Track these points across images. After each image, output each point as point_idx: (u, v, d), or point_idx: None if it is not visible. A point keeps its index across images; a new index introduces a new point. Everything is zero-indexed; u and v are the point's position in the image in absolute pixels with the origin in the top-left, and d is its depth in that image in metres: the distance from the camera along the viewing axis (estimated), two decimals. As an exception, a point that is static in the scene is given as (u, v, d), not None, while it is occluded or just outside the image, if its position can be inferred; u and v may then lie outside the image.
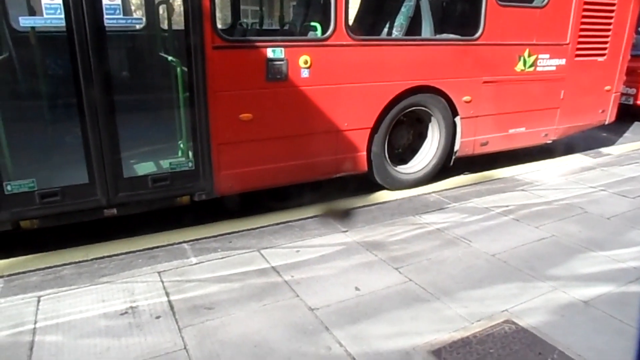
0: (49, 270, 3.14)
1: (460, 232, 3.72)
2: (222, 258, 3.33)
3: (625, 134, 7.62)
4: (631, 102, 7.90)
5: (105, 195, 3.46)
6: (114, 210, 3.59)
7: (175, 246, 3.51)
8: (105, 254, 3.39)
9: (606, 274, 3.14)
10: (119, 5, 3.24)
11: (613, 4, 5.51)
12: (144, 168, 3.77)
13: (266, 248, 3.46)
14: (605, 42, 5.66)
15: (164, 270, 3.15)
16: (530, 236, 3.66)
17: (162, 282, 3.01)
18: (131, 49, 4.28)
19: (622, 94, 6.93)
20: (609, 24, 5.59)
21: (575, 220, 3.99)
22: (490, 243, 3.54)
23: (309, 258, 3.31)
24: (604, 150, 6.50)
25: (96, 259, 3.33)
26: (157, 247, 3.49)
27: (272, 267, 3.19)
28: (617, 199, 4.50)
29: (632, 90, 7.85)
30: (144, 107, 4.08)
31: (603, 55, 5.72)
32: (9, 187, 3.18)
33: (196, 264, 3.26)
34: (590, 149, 6.46)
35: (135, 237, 3.62)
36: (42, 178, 3.30)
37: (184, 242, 3.57)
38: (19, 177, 3.22)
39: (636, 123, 8.20)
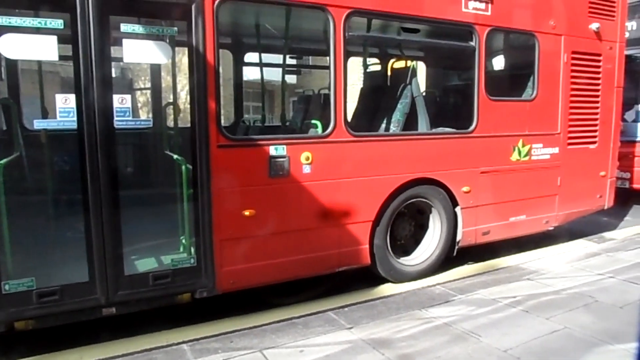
0: (41, 377, 3.00)
1: (468, 326, 3.60)
2: (223, 360, 3.19)
3: (627, 217, 7.64)
4: (627, 186, 8.00)
5: (105, 293, 3.40)
6: (113, 309, 3.50)
7: (174, 347, 3.38)
8: (101, 357, 3.26)
9: (626, 370, 3.00)
10: (128, 108, 3.41)
11: (597, 95, 5.79)
12: (145, 264, 3.73)
13: (269, 348, 3.33)
14: (595, 130, 5.87)
15: (162, 376, 3.00)
16: (541, 329, 3.54)
17: (160, 388, 2.86)
18: (138, 146, 4.43)
19: (618, 179, 7.06)
20: (596, 113, 5.84)
21: (587, 310, 3.88)
22: (500, 337, 3.41)
23: (313, 358, 3.17)
24: (606, 235, 6.47)
25: (91, 363, 3.20)
26: (156, 348, 3.36)
27: (276, 370, 3.05)
28: (627, 286, 4.40)
29: (627, 174, 7.99)
30: (148, 204, 4.13)
31: (594, 142, 5.90)
32: (6, 287, 3.14)
33: (196, 367, 3.12)
34: (593, 234, 6.43)
35: (133, 337, 3.50)
36: (41, 276, 3.26)
37: (184, 342, 3.44)
38: (18, 276, 3.18)
39: (635, 206, 8.25)
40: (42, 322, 3.31)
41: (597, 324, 3.60)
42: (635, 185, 8.05)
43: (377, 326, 3.63)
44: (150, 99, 5.10)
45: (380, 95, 5.13)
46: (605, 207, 6.28)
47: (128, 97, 3.39)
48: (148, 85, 5.58)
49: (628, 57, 6.41)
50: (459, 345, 3.30)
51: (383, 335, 3.47)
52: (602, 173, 6.10)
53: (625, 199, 7.75)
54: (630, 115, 8.50)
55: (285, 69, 5.42)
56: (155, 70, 4.84)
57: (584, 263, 5.10)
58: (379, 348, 3.28)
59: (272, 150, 3.84)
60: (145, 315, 3.70)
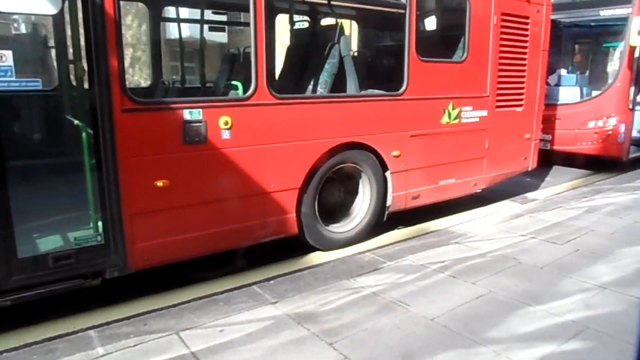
0: None
1: (396, 294, 3.53)
2: (134, 345, 2.91)
3: (547, 178, 7.96)
4: (548, 147, 8.31)
5: (-6, 280, 2.99)
6: (8, 302, 3.08)
7: (79, 335, 3.05)
8: (-8, 351, 2.89)
9: (545, 332, 3.03)
10: (10, 66, 2.91)
11: (525, 58, 5.81)
12: (45, 245, 3.31)
13: (186, 329, 3.08)
14: (522, 94, 5.93)
15: (62, 368, 2.69)
16: (467, 294, 3.53)
17: (58, 384, 2.55)
18: (28, 111, 3.90)
19: (541, 140, 7.28)
20: (523, 76, 5.88)
21: (510, 272, 3.93)
22: (428, 305, 3.36)
23: (233, 338, 2.96)
24: (529, 195, 6.70)
25: (-19, 358, 2.83)
26: (58, 336, 3.02)
27: (192, 353, 2.82)
28: (547, 246, 4.53)
29: (548, 136, 8.28)
30: (45, 176, 3.67)
31: (520, 105, 5.97)
32: None
33: (103, 355, 2.82)
34: (517, 195, 6.64)
35: (32, 325, 3.14)
36: None
37: (91, 327, 3.12)
38: None
39: (555, 167, 8.62)
40: None
41: (519, 286, 3.65)
42: (556, 147, 8.38)
43: (303, 299, 3.48)
44: (41, 57, 4.48)
45: (307, 55, 4.83)
46: (530, 169, 6.46)
47: (8, 53, 2.88)
48: (36, 40, 4.93)
49: (553, 22, 6.48)
50: (386, 316, 3.21)
51: (309, 309, 3.32)
52: (527, 135, 6.22)
53: (546, 160, 8.05)
54: (553, 79, 8.77)
55: (204, 25, 4.95)
56: (45, 23, 4.23)
57: (508, 224, 5.21)
58: (304, 323, 3.13)
59: (187, 115, 3.48)
60: (52, 303, 3.33)
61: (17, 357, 2.85)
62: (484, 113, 5.52)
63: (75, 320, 3.23)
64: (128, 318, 3.24)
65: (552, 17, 6.38)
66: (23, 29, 4.87)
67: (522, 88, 5.90)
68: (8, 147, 3.01)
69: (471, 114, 5.39)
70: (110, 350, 2.86)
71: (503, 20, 5.42)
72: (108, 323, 3.17)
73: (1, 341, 2.99)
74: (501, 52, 5.49)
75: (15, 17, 4.85)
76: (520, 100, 5.94)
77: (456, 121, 5.25)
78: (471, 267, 4.02)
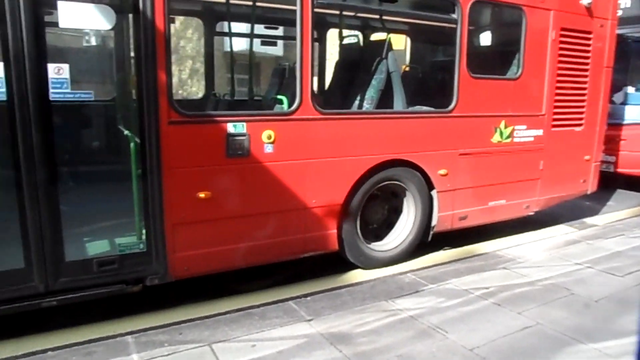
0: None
1: (435, 320, 3.39)
2: (167, 355, 2.95)
3: (609, 202, 7.47)
4: (612, 170, 7.81)
5: (44, 281, 3.13)
6: (54, 302, 3.21)
7: (118, 339, 3.13)
8: (39, 348, 3.01)
9: (597, 373, 2.81)
10: (66, 79, 3.07)
11: (586, 75, 5.51)
12: (91, 250, 3.44)
13: (219, 342, 3.09)
14: (581, 112, 5.62)
15: (98, 373, 2.76)
16: (512, 325, 3.34)
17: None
18: (81, 121, 4.09)
19: (603, 162, 6.86)
20: (584, 94, 5.57)
21: (561, 304, 3.68)
22: (468, 334, 3.20)
23: (264, 355, 2.94)
24: (588, 220, 6.29)
25: (27, 354, 2.95)
26: (98, 339, 3.12)
27: (222, 367, 2.82)
28: (605, 277, 4.22)
29: (612, 158, 7.79)
30: (94, 184, 3.82)
31: (580, 125, 5.65)
32: None
33: (137, 362, 2.88)
34: (575, 219, 6.25)
35: (76, 326, 3.25)
36: None
37: (129, 333, 3.19)
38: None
39: (619, 190, 8.09)
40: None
41: (570, 320, 3.41)
42: (620, 170, 7.86)
43: (339, 318, 3.41)
44: (94, 70, 4.71)
45: (354, 70, 4.80)
46: (589, 192, 6.08)
47: (65, 67, 3.04)
48: (90, 54, 5.19)
49: (619, 36, 6.11)
50: (422, 342, 3.09)
51: (343, 329, 3.25)
52: (587, 157, 5.87)
53: (609, 183, 7.57)
54: (618, 97, 8.25)
55: (254, 39, 5.03)
56: (99, 37, 4.46)
57: (562, 251, 4.91)
58: (337, 344, 3.06)
59: (230, 128, 3.53)
60: (97, 304, 3.45)
61: (59, 356, 2.95)
62: (539, 132, 5.26)
63: (117, 324, 3.31)
64: (165, 326, 3.29)
65: (619, 31, 6.03)
66: (86, 42, 5.14)
67: (582, 107, 5.59)
68: (62, 154, 3.16)
69: (525, 133, 5.15)
70: (144, 358, 2.91)
71: (562, 36, 5.17)
72: (145, 330, 3.24)
73: (47, 339, 3.11)
74: (559, 68, 5.22)
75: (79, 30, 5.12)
76: (580, 119, 5.62)
77: (508, 140, 5.03)
78: (518, 296, 3.81)
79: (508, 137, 5.03)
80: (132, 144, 3.40)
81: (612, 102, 7.16)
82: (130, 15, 3.19)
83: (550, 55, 5.14)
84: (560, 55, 5.21)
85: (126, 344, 3.07)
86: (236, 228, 3.71)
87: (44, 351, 2.99)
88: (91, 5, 3.04)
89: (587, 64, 5.49)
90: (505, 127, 4.98)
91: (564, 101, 5.38)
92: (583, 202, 6.79)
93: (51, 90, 3.01)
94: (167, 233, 3.43)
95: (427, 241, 4.77)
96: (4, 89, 2.89)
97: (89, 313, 3.40)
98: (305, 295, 3.78)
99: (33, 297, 3.15)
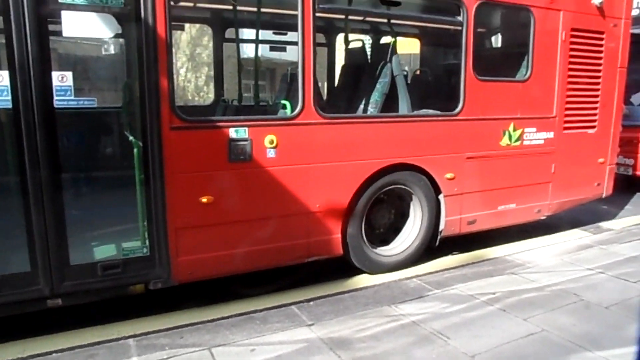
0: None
1: (438, 325, 3.34)
2: (167, 358, 2.97)
3: (627, 207, 7.28)
4: (630, 173, 7.62)
5: (49, 284, 3.19)
6: (59, 301, 3.30)
7: (120, 342, 3.17)
8: (44, 350, 3.06)
9: (602, 382, 2.73)
10: (70, 86, 3.13)
11: (598, 76, 5.40)
12: (95, 254, 3.49)
13: (219, 346, 3.10)
14: (594, 114, 5.50)
15: (98, 375, 2.80)
16: (516, 331, 3.27)
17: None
18: (90, 127, 4.17)
19: (620, 165, 6.70)
20: (596, 95, 5.45)
21: (569, 310, 3.60)
22: (470, 340, 3.15)
23: (263, 359, 2.94)
24: (604, 224, 6.14)
25: (32, 356, 3.00)
26: (100, 342, 3.16)
27: (220, 371, 2.83)
28: (616, 283, 4.11)
29: (630, 161, 7.61)
30: (97, 189, 3.88)
31: (593, 127, 5.53)
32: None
33: (137, 365, 2.91)
34: (589, 224, 6.11)
35: (79, 329, 3.30)
36: None
37: (131, 336, 3.23)
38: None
39: (638, 194, 7.88)
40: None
41: (577, 327, 3.33)
42: (639, 173, 7.66)
43: (340, 323, 3.39)
44: (96, 77, 4.79)
45: (358, 74, 4.79)
46: (604, 196, 5.94)
47: (69, 74, 3.10)
48: (93, 62, 5.28)
49: (634, 36, 5.97)
50: (423, 348, 3.05)
51: (344, 334, 3.23)
52: (601, 160, 5.74)
53: (628, 186, 7.39)
54: (636, 98, 8.07)
55: (260, 44, 5.06)
56: (101, 45, 4.54)
57: (574, 256, 4.80)
58: (336, 349, 3.04)
59: (232, 133, 3.55)
60: (98, 307, 3.51)
61: (62, 359, 3.00)
62: (550, 135, 5.17)
63: (120, 327, 3.35)
64: (167, 329, 3.32)
65: (634, 31, 5.89)
66: (88, 51, 5.24)
67: (594, 108, 5.47)
68: (67, 159, 3.23)
69: (535, 136, 5.07)
70: (144, 361, 2.94)
71: (573, 37, 5.07)
72: (147, 333, 3.27)
73: (51, 342, 3.16)
74: (570, 70, 5.13)
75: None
76: (593, 121, 5.50)
77: (518, 143, 4.95)
78: (525, 301, 3.73)
79: (517, 140, 4.95)
80: (135, 150, 3.44)
81: (630, 103, 7.02)
82: (133, 24, 3.24)
83: (561, 56, 5.05)
84: (571, 56, 5.12)
85: (128, 347, 3.11)
86: (239, 233, 3.72)
87: (49, 353, 3.04)
88: (94, 14, 3.10)
89: (599, 64, 5.37)
90: (515, 129, 4.91)
91: (576, 103, 5.28)
92: (599, 205, 6.65)
93: (55, 97, 3.07)
94: (170, 237, 3.46)
95: (434, 246, 4.72)
96: (9, 97, 2.96)
97: (93, 316, 3.44)
98: (308, 300, 3.77)
99: (39, 300, 3.22)
